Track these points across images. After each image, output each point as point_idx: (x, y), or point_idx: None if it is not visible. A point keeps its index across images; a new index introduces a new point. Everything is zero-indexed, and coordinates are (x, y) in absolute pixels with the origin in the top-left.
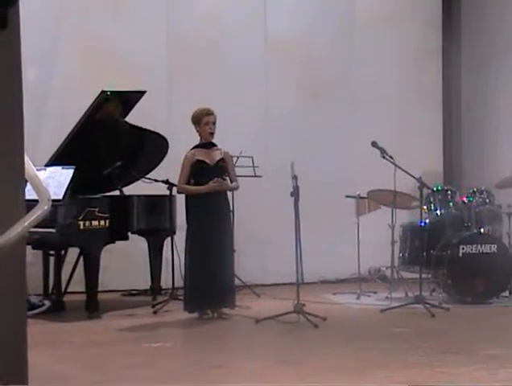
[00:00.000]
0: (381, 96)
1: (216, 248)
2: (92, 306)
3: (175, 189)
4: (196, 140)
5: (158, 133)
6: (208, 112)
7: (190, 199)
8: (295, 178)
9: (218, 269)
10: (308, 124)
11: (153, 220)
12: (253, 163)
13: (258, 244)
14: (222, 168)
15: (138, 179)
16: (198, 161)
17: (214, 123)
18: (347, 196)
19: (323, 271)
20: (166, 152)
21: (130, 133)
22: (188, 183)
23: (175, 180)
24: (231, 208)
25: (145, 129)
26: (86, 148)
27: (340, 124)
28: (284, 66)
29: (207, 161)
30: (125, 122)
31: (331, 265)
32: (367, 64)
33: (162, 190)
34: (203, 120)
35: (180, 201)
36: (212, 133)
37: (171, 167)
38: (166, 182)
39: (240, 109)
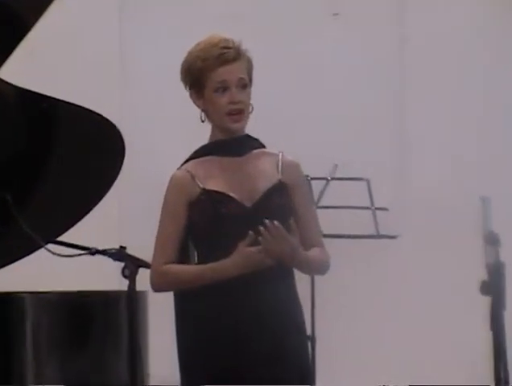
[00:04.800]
0: None
1: None
2: None
3: (145, 275)
4: (202, 133)
5: (94, 113)
6: (224, 55)
7: (189, 304)
8: (492, 240)
9: None
10: None
11: (80, 366)
12: (370, 198)
13: None
14: (279, 212)
15: (37, 248)
16: (207, 193)
17: (246, 84)
18: None
19: None
20: (117, 165)
21: (14, 111)
22: (184, 259)
23: (146, 254)
24: (305, 325)
25: (58, 102)
26: None
27: None
28: None
29: (232, 194)
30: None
31: None
32: None
33: (106, 278)
34: (210, 76)
35: (163, 306)
36: (236, 115)
37: (129, 213)
38: (117, 254)
39: (331, 72)
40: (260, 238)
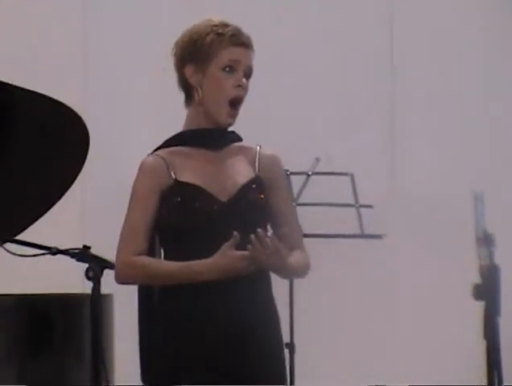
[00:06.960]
0: None
1: None
2: None
3: (110, 277)
4: (170, 127)
5: (55, 101)
6: (240, 36)
7: (156, 303)
8: (486, 241)
9: None
10: None
11: (38, 375)
12: (354, 195)
13: None
14: (256, 208)
15: None
16: (180, 185)
17: (249, 75)
18: None
19: None
20: (81, 157)
21: None
22: (150, 254)
23: (112, 254)
24: (279, 328)
25: (14, 89)
26: None
27: None
28: None
29: (207, 188)
30: None
31: None
32: None
33: (68, 280)
34: (222, 53)
35: (130, 310)
36: (238, 100)
37: (94, 210)
38: (80, 254)
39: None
40: (249, 246)
